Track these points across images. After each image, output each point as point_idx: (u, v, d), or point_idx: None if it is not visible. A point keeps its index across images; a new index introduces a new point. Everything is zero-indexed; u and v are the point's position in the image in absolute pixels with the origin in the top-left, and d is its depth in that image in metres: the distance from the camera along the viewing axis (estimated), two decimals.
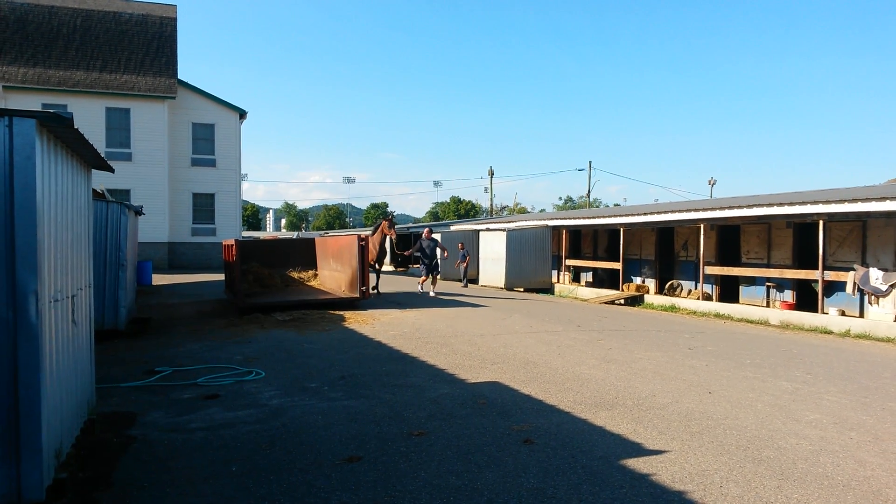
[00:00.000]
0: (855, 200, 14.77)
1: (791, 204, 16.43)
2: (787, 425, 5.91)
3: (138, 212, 17.69)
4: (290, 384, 7.47)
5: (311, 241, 21.22)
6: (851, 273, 15.19)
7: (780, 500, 4.15)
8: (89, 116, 30.19)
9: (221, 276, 21.10)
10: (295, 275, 19.71)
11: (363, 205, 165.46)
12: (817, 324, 14.86)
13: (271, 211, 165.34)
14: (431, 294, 18.54)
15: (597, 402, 6.63)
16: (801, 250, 19.21)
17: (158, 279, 24.61)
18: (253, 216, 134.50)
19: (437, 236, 20.60)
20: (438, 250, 19.63)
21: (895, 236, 16.45)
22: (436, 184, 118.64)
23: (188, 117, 33.74)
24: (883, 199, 14.11)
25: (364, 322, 13.11)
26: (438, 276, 19.97)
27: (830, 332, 13.99)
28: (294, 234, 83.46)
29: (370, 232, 18.34)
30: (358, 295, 15.63)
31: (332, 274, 18.27)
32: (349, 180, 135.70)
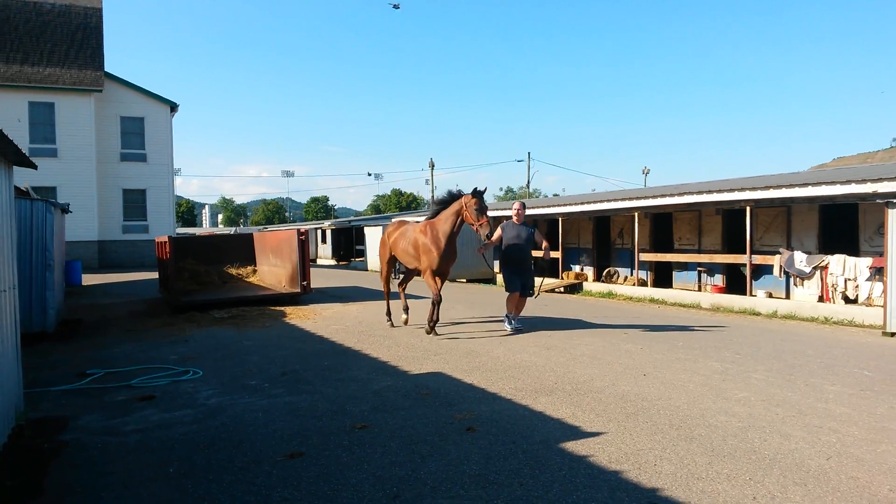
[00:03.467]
0: (780, 187, 15.40)
1: (720, 191, 17.01)
2: (717, 404, 6.15)
3: (65, 209, 16.99)
4: (228, 382, 7.34)
5: (250, 237, 20.83)
6: (777, 256, 15.86)
7: (711, 476, 4.33)
8: (11, 111, 28.83)
9: (156, 275, 20.49)
10: (233, 271, 19.32)
11: (303, 199, 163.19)
12: (746, 306, 15.47)
13: (207, 206, 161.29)
14: (510, 328, 10.68)
15: (537, 388, 6.76)
16: (730, 236, 19.93)
17: (89, 279, 23.72)
18: (188, 212, 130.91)
19: (512, 218, 11.02)
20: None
21: (818, 221, 17.25)
22: (376, 176, 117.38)
23: (116, 111, 32.57)
24: (805, 185, 14.75)
25: (306, 317, 12.96)
26: (530, 296, 10.98)
27: (758, 314, 14.59)
28: (232, 230, 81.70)
29: (423, 216, 11.36)
30: (299, 290, 15.44)
31: (272, 269, 17.99)
32: (288, 174, 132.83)
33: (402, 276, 11.92)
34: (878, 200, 12.58)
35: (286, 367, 8.06)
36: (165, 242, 15.61)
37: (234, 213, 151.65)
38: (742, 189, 16.36)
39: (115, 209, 32.49)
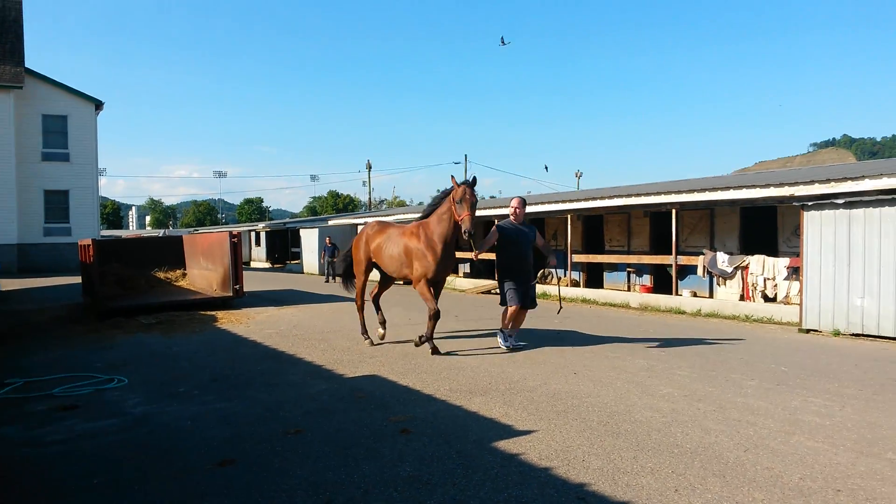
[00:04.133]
0: (703, 190, 16.04)
1: (647, 194, 17.59)
2: (643, 399, 6.38)
3: None
4: (156, 390, 7.15)
5: (179, 240, 20.26)
6: (701, 257, 16.51)
7: (636, 470, 4.50)
8: None
9: (79, 279, 19.70)
10: (161, 275, 18.78)
11: (236, 200, 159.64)
12: (672, 305, 16.04)
13: (134, 208, 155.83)
14: (505, 347, 9.22)
15: (471, 389, 6.85)
16: (658, 237, 20.63)
17: (8, 284, 22.61)
18: (113, 214, 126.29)
19: (509, 217, 9.57)
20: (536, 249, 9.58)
21: (739, 223, 18.05)
22: (313, 178, 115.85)
23: (38, 108, 31.17)
24: (728, 188, 15.41)
25: (238, 322, 12.73)
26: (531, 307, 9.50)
27: (684, 312, 15.15)
28: (160, 232, 79.20)
29: (420, 214, 9.73)
30: (231, 294, 15.14)
31: (203, 273, 17.57)
32: (220, 174, 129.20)
33: (373, 283, 10.65)
34: (794, 203, 13.25)
35: (217, 373, 7.91)
36: (89, 245, 15.04)
37: (163, 214, 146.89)
38: (668, 192, 16.95)
39: (36, 211, 31.06)
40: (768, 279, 14.69)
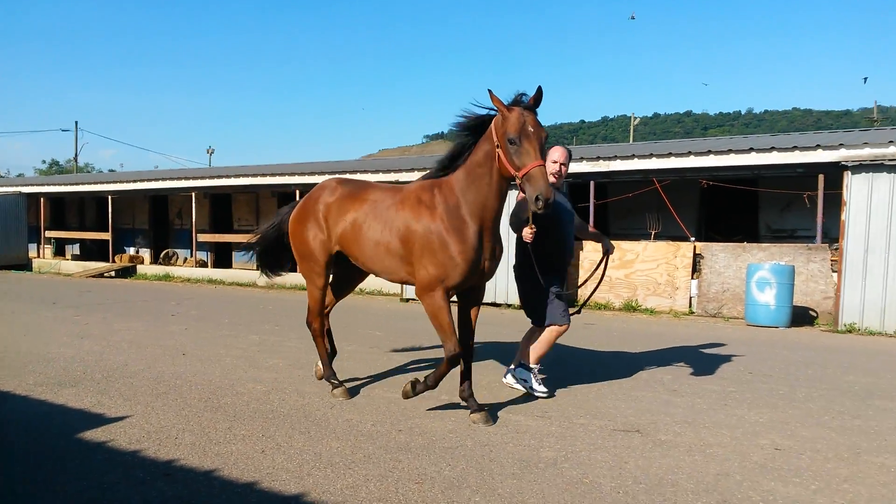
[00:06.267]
0: (324, 173, 17.00)
1: (273, 175, 17.95)
2: (248, 373, 6.62)
3: None
4: None
5: None
6: None
7: (229, 439, 4.68)
8: None
9: None
10: None
11: None
12: (297, 282, 16.70)
13: None
14: (542, 393, 5.88)
15: (61, 381, 6.28)
16: None
17: None
18: None
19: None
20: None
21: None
22: None
23: None
24: (344, 173, 16.58)
25: None
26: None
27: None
28: None
29: (429, 168, 5.38)
30: None
31: None
32: None
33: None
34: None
35: None
36: None
37: None
38: (293, 174, 17.55)
39: None
40: None
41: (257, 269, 6.87)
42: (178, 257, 23.06)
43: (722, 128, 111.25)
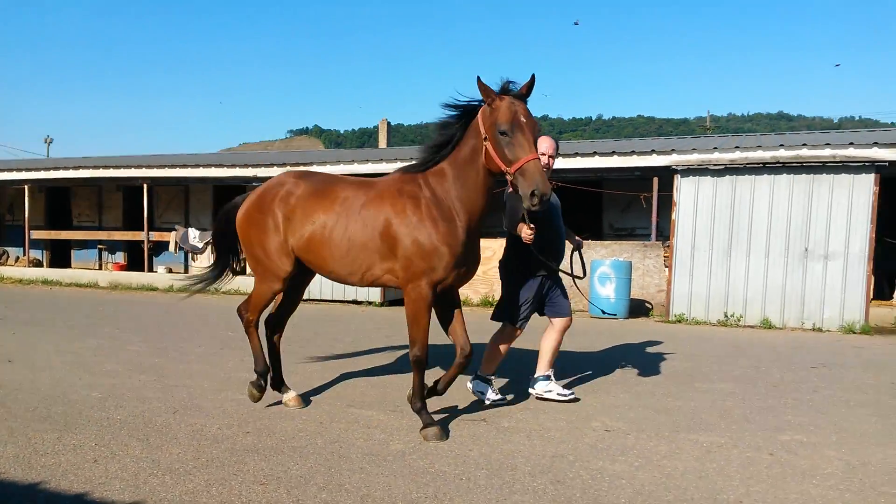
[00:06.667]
0: (174, 167, 16.15)
1: (118, 167, 16.81)
2: (83, 379, 6.20)
3: None
4: None
5: None
6: (172, 233, 16.64)
7: (58, 450, 4.37)
8: None
9: None
10: None
11: None
12: (145, 282, 15.78)
13: None
14: (492, 399, 5.58)
15: None
16: (132, 213, 19.91)
17: None
18: None
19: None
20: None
21: (212, 200, 18.75)
22: None
23: None
24: (198, 166, 15.85)
25: None
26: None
27: (156, 289, 15.07)
28: None
29: (411, 161, 5.07)
30: None
31: None
32: None
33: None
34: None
35: None
36: None
37: None
38: (139, 167, 16.55)
39: None
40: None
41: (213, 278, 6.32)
42: (8, 256, 21.01)
43: (575, 132, 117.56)
